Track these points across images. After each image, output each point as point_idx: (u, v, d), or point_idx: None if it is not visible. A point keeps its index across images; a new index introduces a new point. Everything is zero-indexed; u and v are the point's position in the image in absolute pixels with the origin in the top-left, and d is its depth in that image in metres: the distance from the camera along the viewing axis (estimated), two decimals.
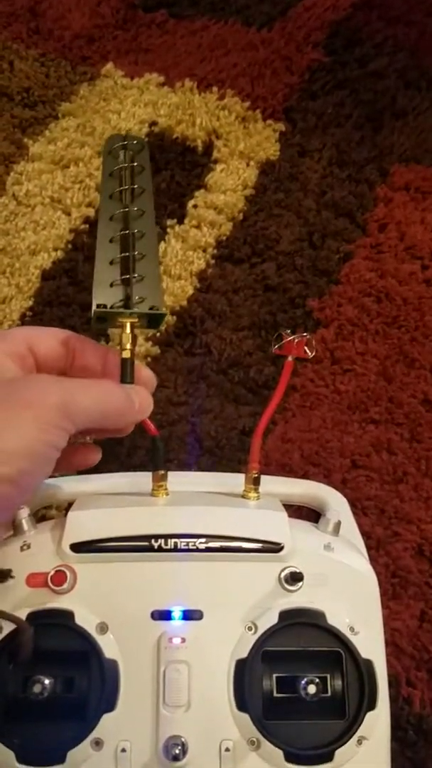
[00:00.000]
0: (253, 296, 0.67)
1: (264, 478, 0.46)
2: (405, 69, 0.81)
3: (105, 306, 0.44)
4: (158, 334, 0.65)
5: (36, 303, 0.66)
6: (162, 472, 0.45)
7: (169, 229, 0.70)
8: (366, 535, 0.55)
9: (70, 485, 0.50)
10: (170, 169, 0.74)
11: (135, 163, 0.46)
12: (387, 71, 0.80)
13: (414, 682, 0.50)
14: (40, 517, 0.54)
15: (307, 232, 0.71)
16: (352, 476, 0.58)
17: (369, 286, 0.67)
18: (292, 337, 0.47)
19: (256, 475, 0.45)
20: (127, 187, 0.46)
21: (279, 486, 0.50)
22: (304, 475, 0.58)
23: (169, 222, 0.71)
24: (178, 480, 0.46)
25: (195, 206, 0.72)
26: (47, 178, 0.73)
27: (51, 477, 0.51)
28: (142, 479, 0.46)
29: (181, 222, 0.71)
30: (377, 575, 0.54)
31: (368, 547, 0.55)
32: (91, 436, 0.45)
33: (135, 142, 0.47)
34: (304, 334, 0.48)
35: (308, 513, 0.54)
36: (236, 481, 0.46)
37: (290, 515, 0.43)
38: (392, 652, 0.51)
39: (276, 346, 0.48)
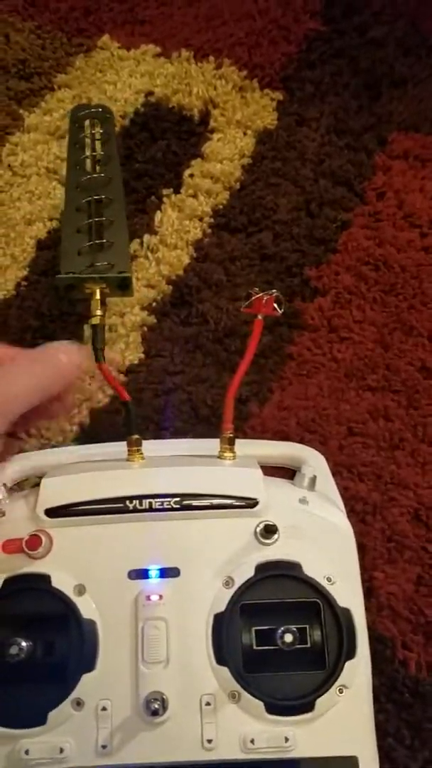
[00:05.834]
0: (249, 265, 0.67)
1: (243, 442, 0.46)
2: (404, 37, 0.79)
3: (73, 273, 0.43)
4: (154, 304, 0.65)
5: (31, 272, 0.66)
6: (136, 436, 0.45)
7: (165, 198, 0.70)
8: (362, 501, 0.55)
9: (44, 457, 0.49)
10: (166, 138, 0.73)
11: (101, 131, 0.46)
12: (386, 39, 0.79)
13: (410, 645, 0.50)
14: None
15: (305, 201, 0.70)
16: (348, 443, 0.58)
17: (367, 254, 0.67)
18: (260, 295, 0.47)
19: (230, 436, 0.44)
20: (92, 154, 0.45)
21: (257, 448, 0.50)
22: (300, 443, 0.58)
23: (165, 191, 0.70)
24: (154, 447, 0.46)
25: (191, 175, 0.71)
26: (43, 148, 0.73)
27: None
28: (118, 448, 0.46)
29: (177, 191, 0.70)
30: (374, 540, 0.54)
31: (365, 513, 0.55)
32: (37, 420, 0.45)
33: (100, 110, 0.46)
34: (273, 291, 0.47)
35: (292, 476, 0.53)
36: (213, 445, 0.45)
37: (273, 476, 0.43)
38: (388, 616, 0.51)
39: (245, 305, 0.48)
